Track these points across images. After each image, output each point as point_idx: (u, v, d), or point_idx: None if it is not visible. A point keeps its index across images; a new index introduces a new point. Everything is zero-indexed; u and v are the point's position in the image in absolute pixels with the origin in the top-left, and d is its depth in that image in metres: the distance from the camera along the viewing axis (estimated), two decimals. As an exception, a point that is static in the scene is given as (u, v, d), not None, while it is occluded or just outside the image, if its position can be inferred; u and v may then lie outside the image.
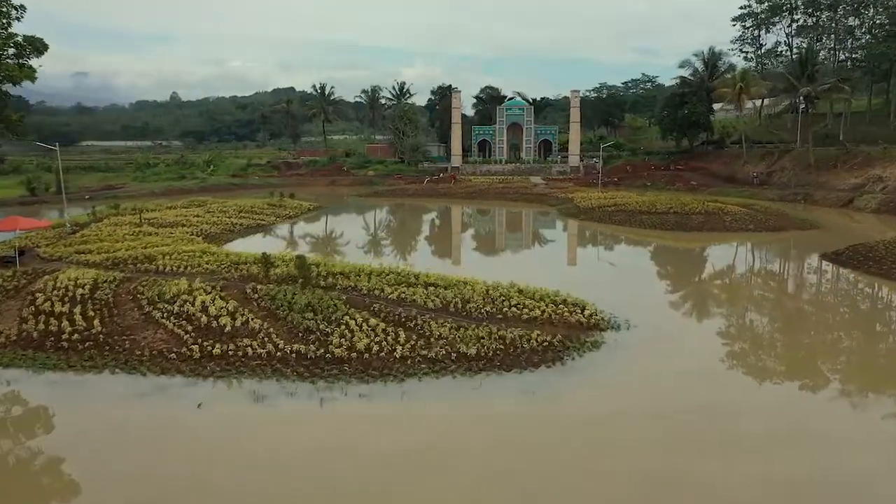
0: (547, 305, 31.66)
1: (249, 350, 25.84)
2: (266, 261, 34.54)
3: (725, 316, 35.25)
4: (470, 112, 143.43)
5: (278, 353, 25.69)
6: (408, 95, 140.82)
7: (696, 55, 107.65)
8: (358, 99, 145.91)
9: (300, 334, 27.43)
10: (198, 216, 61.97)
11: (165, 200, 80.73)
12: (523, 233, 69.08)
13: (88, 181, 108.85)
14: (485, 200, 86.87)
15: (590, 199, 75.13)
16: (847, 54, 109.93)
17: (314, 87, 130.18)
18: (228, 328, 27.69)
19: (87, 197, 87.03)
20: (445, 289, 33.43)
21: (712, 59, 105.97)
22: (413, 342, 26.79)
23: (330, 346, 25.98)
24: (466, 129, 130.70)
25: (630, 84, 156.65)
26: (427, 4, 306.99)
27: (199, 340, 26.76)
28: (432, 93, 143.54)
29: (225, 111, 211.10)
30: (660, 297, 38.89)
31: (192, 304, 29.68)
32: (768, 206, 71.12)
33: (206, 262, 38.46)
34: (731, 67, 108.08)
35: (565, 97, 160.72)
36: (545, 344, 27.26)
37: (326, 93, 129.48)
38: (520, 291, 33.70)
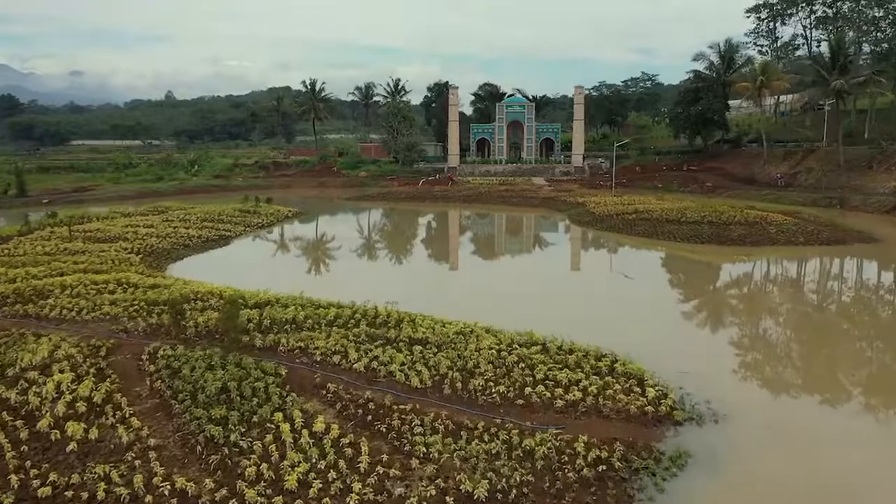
0: (588, 377, 20.47)
1: (102, 490, 14.47)
2: (176, 310, 22.88)
3: (862, 387, 23.48)
4: (468, 111, 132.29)
5: (148, 499, 14.35)
6: (403, 93, 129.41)
7: (711, 47, 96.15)
8: (351, 96, 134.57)
9: (199, 451, 16.11)
10: (151, 227, 50.65)
11: (134, 205, 69.71)
12: (534, 249, 54.95)
13: (64, 182, 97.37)
14: (485, 205, 75.51)
15: (604, 204, 63.89)
16: (871, 46, 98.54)
17: (304, 83, 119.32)
18: (76, 444, 16.33)
19: (45, 201, 75.51)
20: (438, 349, 22.20)
21: (729, 52, 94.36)
22: (381, 471, 15.41)
23: (239, 483, 14.67)
24: (464, 127, 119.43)
25: (630, 83, 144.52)
26: (426, 4, 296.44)
27: (26, 465, 15.47)
28: (429, 90, 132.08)
29: (219, 110, 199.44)
30: (740, 351, 27.11)
31: (40, 391, 18.28)
32: (814, 214, 59.47)
33: (110, 302, 27.00)
34: (749, 60, 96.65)
35: (564, 95, 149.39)
36: (599, 466, 15.96)
37: (317, 89, 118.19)
38: (545, 350, 22.52)
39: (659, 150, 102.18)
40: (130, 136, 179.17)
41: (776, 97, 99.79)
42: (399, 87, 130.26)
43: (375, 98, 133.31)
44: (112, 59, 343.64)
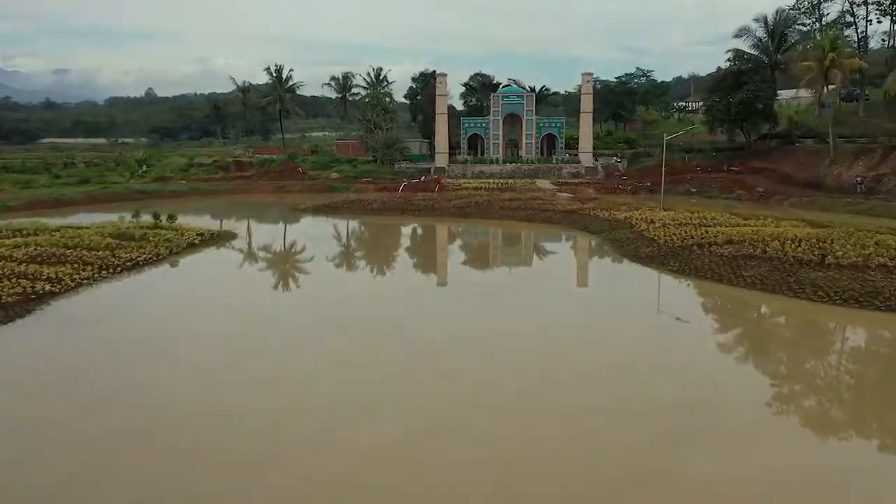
0: None
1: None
2: None
3: None
4: (458, 105, 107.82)
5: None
6: (385, 84, 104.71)
7: (756, 20, 71.85)
8: (328, 88, 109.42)
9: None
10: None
11: (25, 217, 46.34)
12: (600, 339, 23.14)
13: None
14: (485, 220, 50.77)
15: (661, 225, 39.70)
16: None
17: (268, 69, 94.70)
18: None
19: None
20: None
21: (781, 26, 70.01)
22: None
23: None
24: (454, 123, 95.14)
25: (624, 79, 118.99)
26: (415, 2, 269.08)
27: None
28: (413, 80, 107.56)
29: (197, 107, 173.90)
30: None
31: None
32: None
33: None
34: (808, 35, 72.33)
35: (556, 92, 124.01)
36: None
37: (283, 78, 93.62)
38: None
39: (688, 148, 77.81)
40: (95, 134, 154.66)
41: (822, 87, 75.67)
42: (381, 77, 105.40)
43: (355, 90, 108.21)
44: (98, 56, 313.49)
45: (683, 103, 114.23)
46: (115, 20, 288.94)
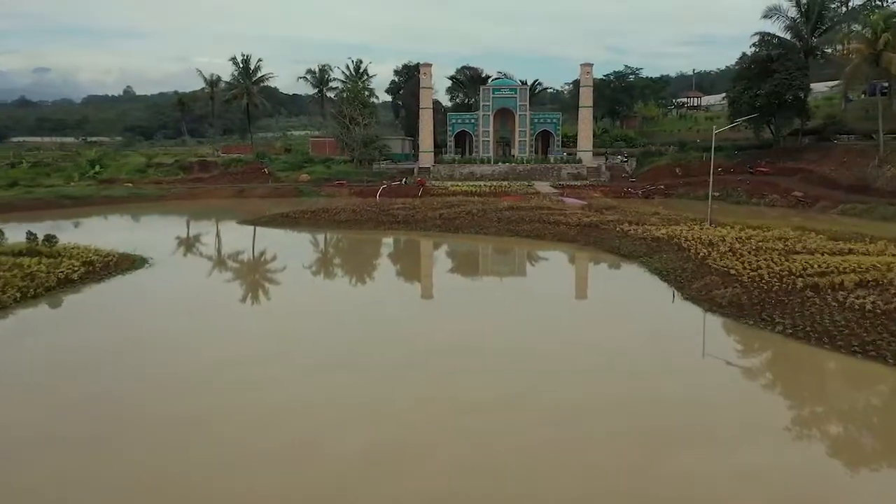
0: None
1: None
2: None
3: None
4: (444, 101, 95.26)
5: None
6: (365, 77, 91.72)
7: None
8: (304, 83, 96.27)
9: None
10: None
11: None
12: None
13: None
14: (479, 235, 37.88)
15: (723, 244, 27.68)
16: None
17: (233, 59, 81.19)
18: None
19: None
20: None
21: (817, 6, 57.49)
22: None
23: None
24: (440, 118, 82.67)
25: (612, 76, 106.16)
26: (398, 1, 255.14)
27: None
28: (396, 73, 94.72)
29: (174, 105, 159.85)
30: None
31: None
32: None
33: None
34: (853, 13, 59.86)
35: (550, 88, 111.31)
36: None
37: (251, 69, 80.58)
38: None
39: (705, 146, 65.45)
40: (64, 132, 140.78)
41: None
42: (361, 70, 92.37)
43: (333, 84, 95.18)
44: (78, 55, 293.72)
45: (683, 99, 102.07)
46: (96, 18, 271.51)
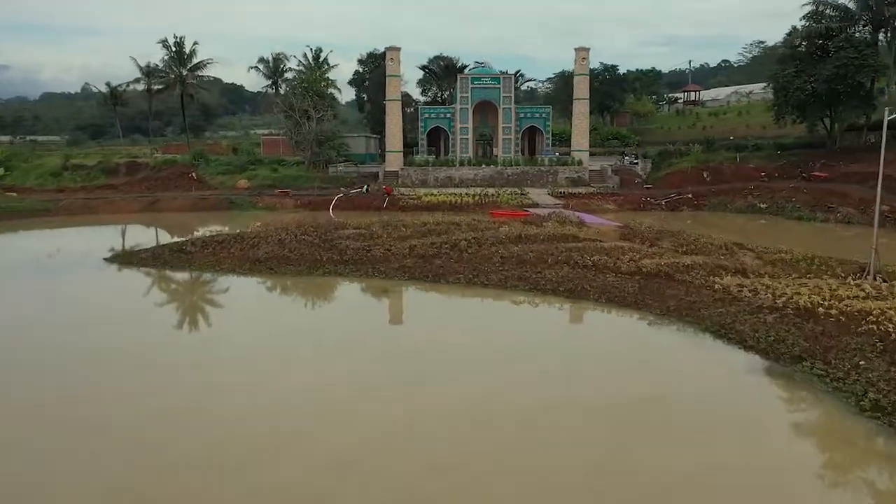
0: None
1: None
2: None
3: None
4: (415, 94, 78.92)
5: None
6: (326, 67, 74.75)
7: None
8: (256, 74, 78.85)
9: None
10: None
11: None
12: None
13: None
14: (474, 288, 21.49)
15: None
16: None
17: (163, 42, 63.55)
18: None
19: None
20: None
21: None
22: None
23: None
24: (411, 114, 66.48)
25: (600, 69, 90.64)
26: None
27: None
28: (360, 63, 77.78)
29: (131, 103, 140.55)
30: None
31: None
32: None
33: None
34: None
35: (526, 81, 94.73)
36: None
37: (186, 53, 63.01)
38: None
39: (740, 144, 49.68)
40: (11, 130, 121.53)
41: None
42: (321, 59, 75.38)
43: (289, 76, 77.90)
44: (39, 53, 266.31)
45: (678, 94, 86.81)
46: (58, 15, 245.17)
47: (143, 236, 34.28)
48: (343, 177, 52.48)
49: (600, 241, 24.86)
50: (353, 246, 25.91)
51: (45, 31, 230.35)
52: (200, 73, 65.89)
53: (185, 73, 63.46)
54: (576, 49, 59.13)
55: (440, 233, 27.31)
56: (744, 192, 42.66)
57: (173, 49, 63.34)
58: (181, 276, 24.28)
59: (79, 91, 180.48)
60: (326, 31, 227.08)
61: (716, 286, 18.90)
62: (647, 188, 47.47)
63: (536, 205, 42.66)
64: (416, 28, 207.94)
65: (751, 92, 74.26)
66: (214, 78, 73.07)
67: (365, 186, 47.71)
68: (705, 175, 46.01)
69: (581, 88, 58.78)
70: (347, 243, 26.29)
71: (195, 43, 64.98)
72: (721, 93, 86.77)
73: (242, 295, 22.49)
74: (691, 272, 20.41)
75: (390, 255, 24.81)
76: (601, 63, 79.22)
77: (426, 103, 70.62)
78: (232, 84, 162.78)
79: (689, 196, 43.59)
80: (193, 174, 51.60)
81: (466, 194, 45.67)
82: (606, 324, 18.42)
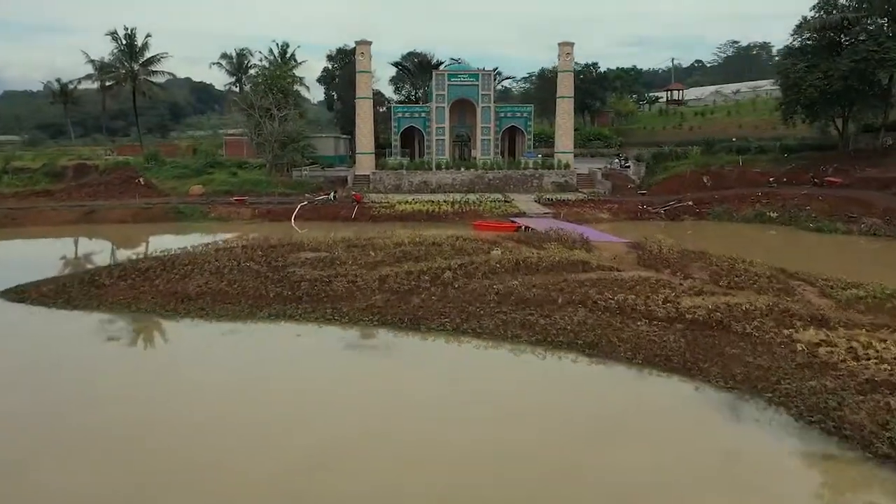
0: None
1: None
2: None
3: None
4: (388, 92, 73.19)
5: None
6: (293, 63, 68.49)
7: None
8: (218, 70, 72.15)
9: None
10: None
11: None
12: None
13: None
14: (464, 338, 16.08)
15: None
16: None
17: (113, 35, 56.13)
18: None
19: None
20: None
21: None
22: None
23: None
24: (384, 113, 60.89)
25: (580, 66, 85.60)
26: None
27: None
28: (329, 58, 71.67)
29: (90, 101, 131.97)
30: None
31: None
32: None
33: None
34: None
35: (504, 79, 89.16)
36: None
37: (138, 47, 56.01)
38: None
39: (742, 146, 44.66)
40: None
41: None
42: (288, 54, 69.20)
43: (254, 73, 71.29)
44: (4, 51, 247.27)
45: (658, 93, 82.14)
46: (23, 13, 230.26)
47: (56, 259, 28.04)
48: (308, 182, 46.45)
49: (617, 270, 19.43)
50: (310, 276, 20.12)
51: (8, 28, 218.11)
52: (154, 69, 58.92)
53: (136, 68, 56.60)
54: (559, 44, 53.73)
55: (418, 258, 21.63)
56: (750, 198, 37.71)
57: (123, 42, 56.40)
58: (80, 321, 18.21)
59: (41, 89, 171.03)
60: (302, 29, 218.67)
61: (796, 345, 13.53)
62: (642, 194, 42.34)
63: (523, 214, 37.28)
64: (388, 25, 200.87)
65: (738, 91, 69.73)
66: (171, 74, 66.13)
67: (332, 193, 41.78)
68: (706, 180, 41.00)
69: (565, 85, 53.48)
70: (303, 272, 20.51)
71: (148, 36, 58.21)
72: (703, 92, 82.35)
73: (142, 365, 16.52)
74: (752, 320, 15.05)
75: (356, 289, 19.08)
76: (576, 62, 73.98)
77: (400, 102, 64.90)
78: (202, 82, 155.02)
79: (690, 203, 38.54)
80: (141, 179, 45.05)
81: (444, 202, 40.10)
82: (656, 404, 12.89)
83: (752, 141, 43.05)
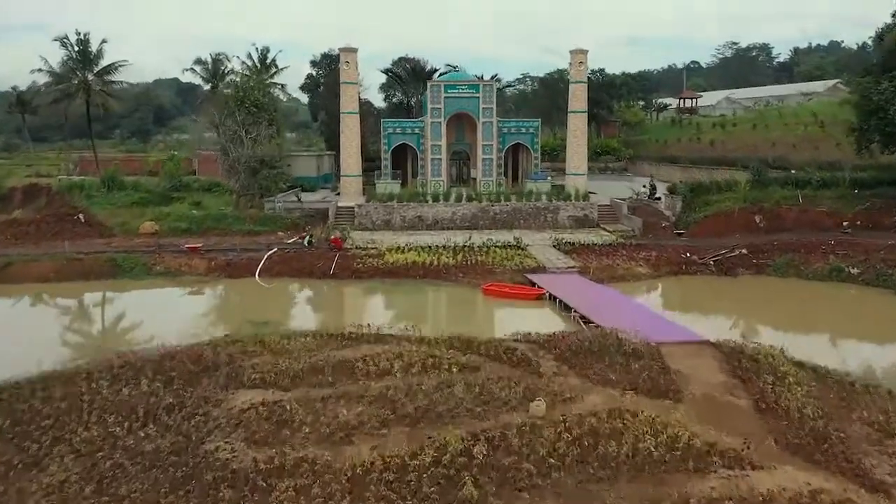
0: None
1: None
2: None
3: None
4: (378, 100, 64.54)
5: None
6: (275, 70, 59.41)
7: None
8: (192, 76, 62.74)
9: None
10: None
11: None
12: None
13: None
14: None
15: None
16: None
17: (64, 40, 46.60)
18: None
19: None
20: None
21: None
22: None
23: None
24: (372, 124, 52.06)
25: (556, 74, 74.63)
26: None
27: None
28: (314, 65, 62.47)
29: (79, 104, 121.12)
30: None
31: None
32: None
33: None
34: None
35: (509, 84, 79.85)
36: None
37: (92, 54, 46.43)
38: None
39: (800, 180, 35.55)
40: None
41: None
42: (269, 61, 59.93)
43: (231, 79, 61.83)
44: None
45: (666, 100, 73.54)
46: (10, 14, 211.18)
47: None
48: (281, 217, 37.53)
49: (752, 467, 10.90)
50: (242, 466, 11.51)
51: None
52: (111, 79, 49.53)
53: (90, 77, 47.27)
54: (571, 52, 44.88)
55: (415, 413, 13.06)
56: (820, 248, 29.32)
57: (76, 49, 46.96)
58: None
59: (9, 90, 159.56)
60: (290, 31, 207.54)
61: None
62: (680, 234, 33.83)
63: (542, 268, 28.70)
64: (375, 27, 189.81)
65: (755, 99, 61.08)
66: (128, 84, 56.48)
67: (308, 237, 32.91)
68: (759, 220, 32.53)
69: (578, 98, 44.73)
70: (228, 454, 11.89)
71: (103, 41, 48.69)
72: (713, 98, 73.71)
73: None
74: None
75: (314, 469, 10.51)
76: (545, 74, 65.33)
77: (390, 114, 56.06)
78: (189, 83, 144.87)
79: (745, 252, 30.08)
80: (81, 216, 35.98)
81: (444, 247, 31.46)
82: None
83: (810, 171, 34.43)
